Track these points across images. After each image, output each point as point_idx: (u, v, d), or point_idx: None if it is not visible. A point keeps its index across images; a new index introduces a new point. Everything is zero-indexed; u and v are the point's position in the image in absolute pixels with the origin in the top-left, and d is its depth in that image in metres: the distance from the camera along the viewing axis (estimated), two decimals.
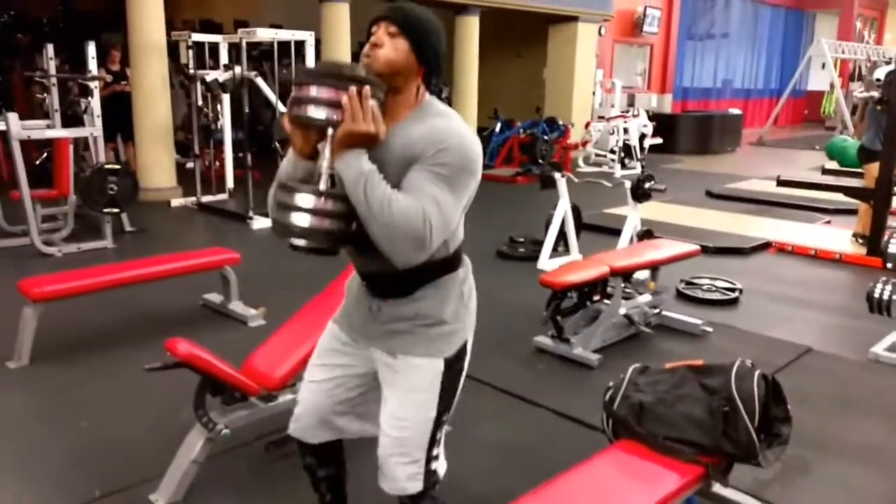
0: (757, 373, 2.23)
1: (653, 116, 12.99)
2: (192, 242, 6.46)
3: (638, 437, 2.29)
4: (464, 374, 1.93)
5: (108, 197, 6.08)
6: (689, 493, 2.17)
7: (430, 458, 1.88)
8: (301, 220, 1.66)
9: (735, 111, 16.30)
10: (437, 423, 1.87)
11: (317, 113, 1.63)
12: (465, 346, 1.91)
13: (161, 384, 3.21)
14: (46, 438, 3.16)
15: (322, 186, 1.66)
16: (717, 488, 2.32)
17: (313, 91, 1.63)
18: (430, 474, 1.89)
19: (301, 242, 1.70)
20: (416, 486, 1.87)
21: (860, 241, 6.50)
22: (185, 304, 4.86)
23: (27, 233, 5.99)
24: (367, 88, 1.62)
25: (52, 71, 6.57)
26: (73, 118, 6.71)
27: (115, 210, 6.24)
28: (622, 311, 4.27)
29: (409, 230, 1.62)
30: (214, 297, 4.80)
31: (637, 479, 2.17)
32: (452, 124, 1.72)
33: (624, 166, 11.33)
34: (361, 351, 1.96)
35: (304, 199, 1.66)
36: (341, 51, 9.72)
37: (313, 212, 1.65)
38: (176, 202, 8.31)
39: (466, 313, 1.91)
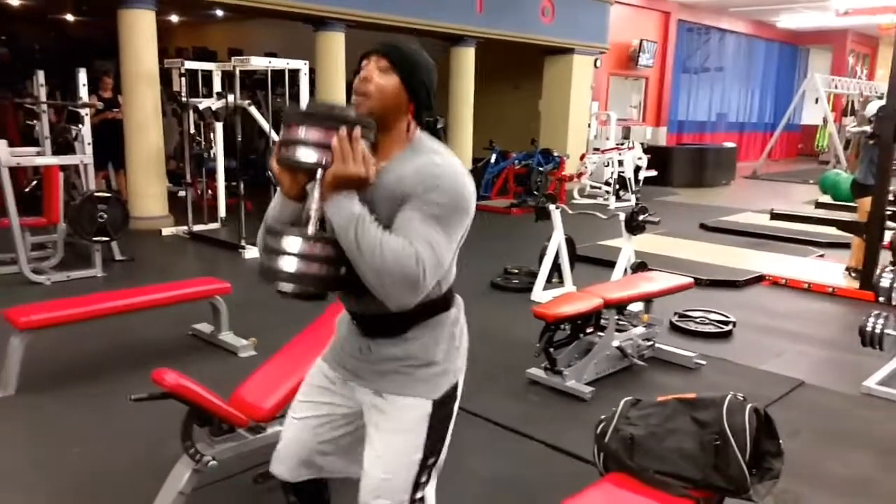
0: (749, 406, 2.20)
1: (648, 149, 13.08)
2: (183, 272, 6.43)
3: (629, 470, 2.25)
4: (453, 417, 1.89)
5: (97, 225, 6.05)
6: None
7: (413, 501, 1.83)
8: (289, 265, 1.61)
9: (730, 144, 16.43)
10: (423, 467, 1.82)
11: (305, 155, 1.58)
12: (454, 388, 1.87)
13: (149, 415, 3.18)
14: (31, 469, 3.12)
15: (311, 230, 1.62)
16: None
17: (302, 132, 1.58)
18: None
19: (288, 288, 1.64)
20: None
21: (853, 274, 6.50)
22: (174, 334, 4.82)
23: (16, 261, 5.96)
24: (357, 129, 1.58)
25: (43, 97, 6.59)
26: (64, 145, 6.71)
27: (105, 238, 6.20)
28: (615, 343, 4.24)
29: (403, 273, 1.57)
30: (204, 328, 4.76)
31: None
32: (445, 162, 1.69)
33: (619, 198, 11.37)
34: (349, 390, 1.92)
35: (292, 244, 1.61)
36: (336, 79, 9.77)
37: (301, 256, 1.61)
38: (167, 231, 8.27)
39: (457, 355, 1.87)
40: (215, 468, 2.66)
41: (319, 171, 1.60)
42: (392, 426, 1.82)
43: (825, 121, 17.19)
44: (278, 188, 1.74)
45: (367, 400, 1.87)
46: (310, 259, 1.61)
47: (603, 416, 2.46)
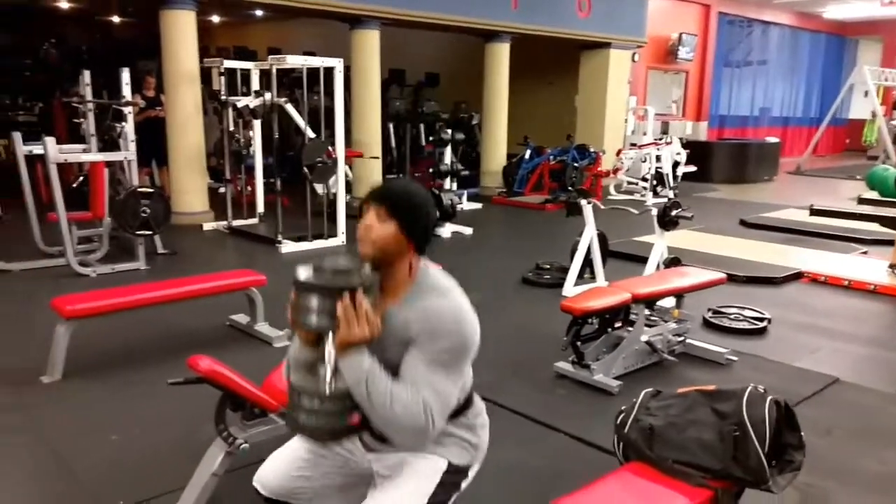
0: (769, 398, 2.20)
1: (687, 144, 12.91)
2: (223, 265, 6.56)
3: (648, 460, 2.27)
4: (457, 493, 1.97)
5: (140, 220, 6.25)
6: None
7: None
8: (309, 420, 1.80)
9: (772, 139, 16.13)
10: None
11: (315, 322, 1.75)
12: (468, 468, 1.98)
13: (186, 401, 3.28)
14: (75, 450, 3.25)
15: (327, 390, 1.78)
16: None
17: (309, 301, 1.74)
18: None
19: (310, 438, 1.89)
20: None
21: None
22: (212, 324, 4.95)
23: (63, 253, 6.16)
24: (359, 294, 1.72)
25: (89, 96, 6.79)
26: (110, 143, 6.92)
27: (148, 232, 6.40)
28: (644, 338, 4.24)
29: (411, 424, 1.72)
30: (241, 318, 4.89)
31: (644, 500, 2.15)
32: (448, 304, 1.80)
33: (656, 194, 11.25)
34: (362, 452, 2.00)
35: (311, 403, 1.79)
36: (371, 77, 9.87)
37: (319, 413, 1.79)
38: (208, 226, 8.48)
39: (478, 442, 2.01)
40: (247, 451, 2.73)
41: (330, 333, 1.77)
42: (405, 472, 1.91)
43: (873, 115, 16.77)
44: (297, 334, 1.88)
45: (382, 459, 1.96)
46: (327, 414, 1.79)
47: (623, 407, 2.48)
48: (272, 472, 2.06)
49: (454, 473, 1.93)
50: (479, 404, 2.03)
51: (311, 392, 1.79)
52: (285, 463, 2.05)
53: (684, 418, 2.29)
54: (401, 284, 1.84)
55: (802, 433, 2.23)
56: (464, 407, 1.95)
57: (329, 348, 1.77)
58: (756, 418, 2.15)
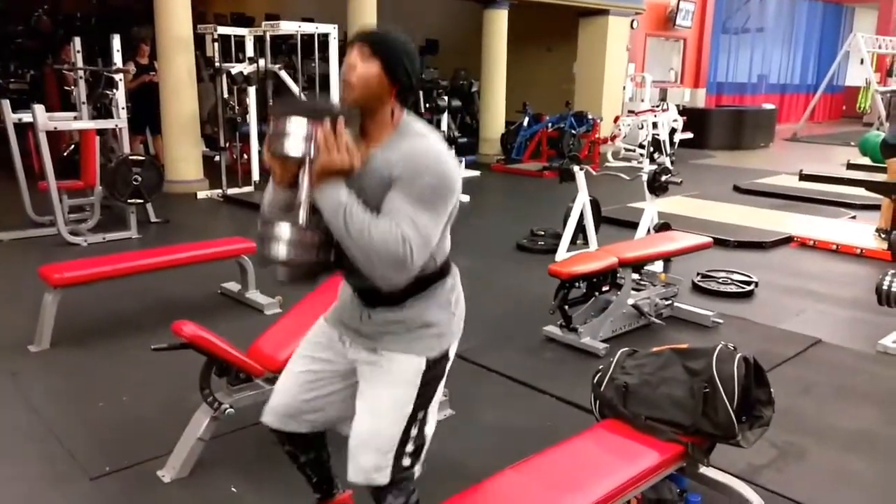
0: (738, 356, 2.25)
1: (684, 111, 12.86)
2: (216, 234, 6.53)
3: (622, 417, 2.33)
4: (443, 379, 1.97)
5: (132, 188, 6.24)
6: (669, 470, 2.22)
7: (400, 454, 1.88)
8: (282, 252, 1.73)
9: (769, 106, 16.06)
10: (412, 420, 1.89)
11: (293, 147, 1.68)
12: (447, 351, 1.95)
13: (174, 367, 3.32)
14: (63, 418, 3.28)
15: (302, 218, 1.72)
16: (703, 469, 2.35)
17: (288, 126, 1.68)
18: (398, 469, 1.89)
19: (283, 276, 1.79)
20: (382, 478, 1.87)
21: (882, 236, 6.41)
22: (203, 292, 4.98)
23: (54, 222, 6.15)
24: (340, 121, 1.68)
25: (80, 63, 6.75)
26: (103, 111, 6.90)
27: (140, 201, 6.39)
28: (631, 301, 4.28)
29: (390, 254, 1.67)
30: (233, 286, 4.91)
31: (617, 455, 2.21)
32: (429, 146, 1.77)
33: (653, 161, 11.18)
34: (345, 348, 2.00)
35: (285, 232, 1.72)
36: None
37: (294, 244, 1.72)
38: (202, 194, 8.44)
39: (453, 320, 1.95)
40: (232, 415, 2.78)
41: (307, 162, 1.70)
42: (385, 380, 1.90)
43: (868, 82, 16.69)
44: (271, 177, 1.83)
45: (363, 357, 1.95)
46: (302, 246, 1.73)
47: (600, 366, 2.53)
48: (285, 402, 2.06)
49: (435, 365, 1.91)
50: (454, 272, 1.98)
51: (286, 222, 1.73)
52: (297, 386, 2.05)
53: (657, 376, 2.34)
54: (383, 130, 1.81)
55: (772, 389, 2.28)
56: (441, 274, 1.91)
57: (305, 180, 1.72)
58: (725, 375, 2.20)
